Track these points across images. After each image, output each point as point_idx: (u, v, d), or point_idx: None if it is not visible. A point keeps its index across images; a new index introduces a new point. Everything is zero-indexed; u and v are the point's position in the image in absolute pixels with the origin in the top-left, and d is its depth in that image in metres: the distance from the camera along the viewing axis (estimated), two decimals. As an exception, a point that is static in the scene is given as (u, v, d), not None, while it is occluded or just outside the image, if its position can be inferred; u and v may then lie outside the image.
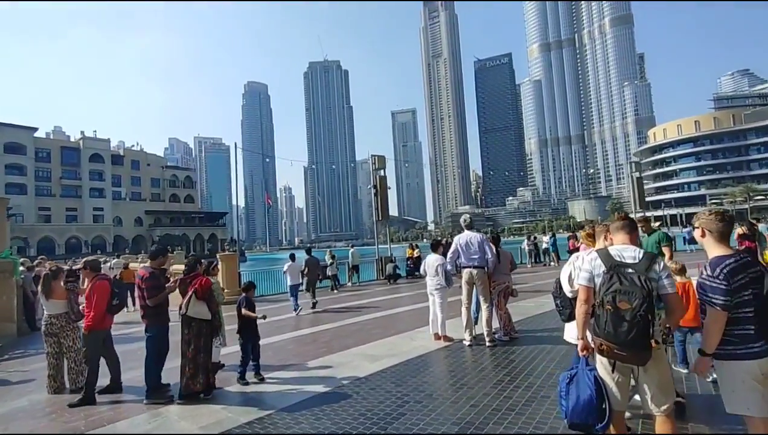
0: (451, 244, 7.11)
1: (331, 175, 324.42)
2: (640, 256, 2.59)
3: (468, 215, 7.07)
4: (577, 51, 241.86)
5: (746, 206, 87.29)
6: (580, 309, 2.78)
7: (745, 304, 2.34)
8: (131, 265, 16.94)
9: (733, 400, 2.39)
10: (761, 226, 14.00)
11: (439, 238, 7.60)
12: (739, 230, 11.44)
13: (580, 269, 2.96)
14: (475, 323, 6.87)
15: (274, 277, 16.74)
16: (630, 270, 2.51)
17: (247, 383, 5.28)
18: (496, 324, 6.72)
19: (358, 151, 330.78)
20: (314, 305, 11.54)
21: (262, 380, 5.39)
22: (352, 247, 18.59)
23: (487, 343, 6.35)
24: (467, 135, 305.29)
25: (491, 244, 6.59)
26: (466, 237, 6.62)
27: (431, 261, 6.84)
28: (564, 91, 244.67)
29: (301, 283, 11.92)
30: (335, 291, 15.65)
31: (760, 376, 2.31)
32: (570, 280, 3.50)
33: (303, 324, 9.58)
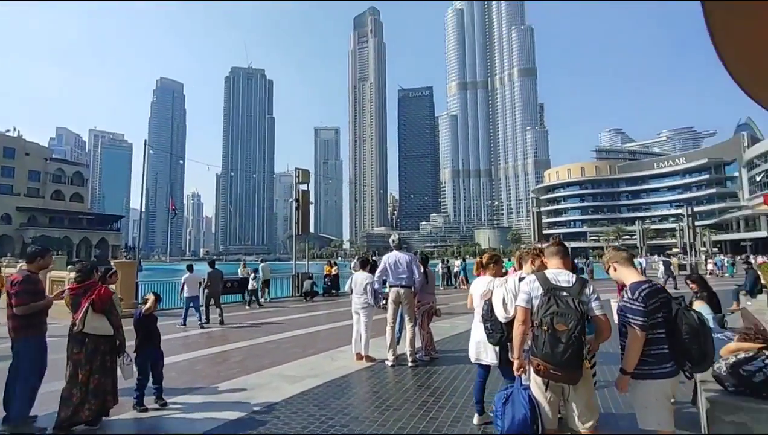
0: (377, 263, 7.13)
1: (246, 186, 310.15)
2: (573, 280, 2.79)
3: (397, 235, 7.15)
4: (490, 94, 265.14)
5: (617, 244, 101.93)
6: (518, 329, 2.89)
7: (658, 326, 2.62)
8: (6, 269, 14.21)
9: (646, 417, 2.63)
10: (635, 261, 16.32)
11: (368, 256, 7.55)
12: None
13: (519, 291, 3.10)
14: (397, 343, 6.88)
15: (174, 289, 15.25)
16: (565, 293, 2.68)
17: (145, 409, 4.60)
18: (418, 343, 6.80)
19: (277, 163, 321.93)
20: (202, 326, 10.59)
21: (164, 405, 4.75)
22: (263, 261, 17.66)
23: (409, 363, 6.37)
24: (387, 158, 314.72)
25: (419, 265, 6.72)
26: (395, 256, 6.67)
27: (360, 279, 6.74)
28: (477, 128, 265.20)
29: (200, 297, 11.24)
30: (248, 307, 14.66)
31: (669, 394, 2.59)
32: (504, 304, 3.57)
33: (212, 342, 8.77)
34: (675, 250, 66.90)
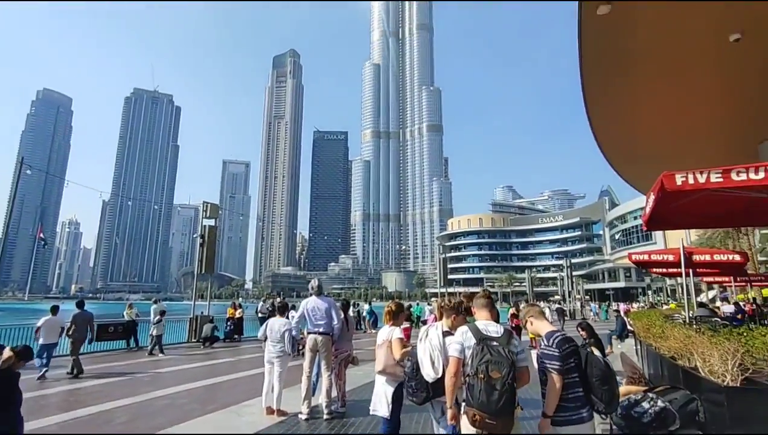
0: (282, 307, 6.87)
1: (139, 215, 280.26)
2: (501, 331, 2.99)
3: (317, 280, 6.95)
4: (401, 144, 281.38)
5: (509, 290, 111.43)
6: (450, 380, 2.97)
7: (572, 370, 2.91)
8: None
9: None
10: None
11: (287, 302, 7.18)
12: (511, 310, 14.32)
13: (446, 346, 3.21)
14: (312, 393, 6.54)
15: (30, 336, 12.83)
16: (495, 343, 2.86)
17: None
18: (334, 393, 6.53)
19: (178, 193, 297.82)
20: (75, 373, 9.44)
21: (24, 486, 3.84)
22: (156, 301, 15.68)
23: (325, 416, 6.06)
24: (299, 197, 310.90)
25: (339, 310, 6.59)
26: (313, 302, 6.47)
27: (277, 325, 6.37)
28: (388, 175, 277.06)
29: (60, 344, 10.08)
30: (153, 355, 12.71)
31: None
32: (432, 362, 3.41)
33: (89, 399, 7.41)
34: (556, 296, 74.98)
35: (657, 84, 7.27)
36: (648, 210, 4.65)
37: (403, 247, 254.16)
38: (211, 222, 17.56)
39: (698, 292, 29.68)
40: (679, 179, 3.56)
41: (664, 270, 11.42)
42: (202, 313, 17.22)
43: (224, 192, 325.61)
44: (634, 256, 10.42)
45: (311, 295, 6.62)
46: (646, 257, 10.18)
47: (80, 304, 10.57)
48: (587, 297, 71.98)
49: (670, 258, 9.47)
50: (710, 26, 5.83)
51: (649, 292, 74.49)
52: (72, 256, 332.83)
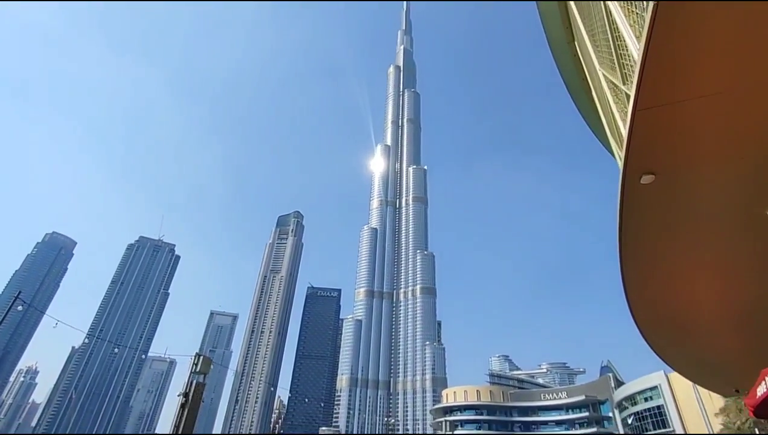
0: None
1: (107, 367, 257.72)
2: None
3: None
4: (394, 304, 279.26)
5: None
6: None
7: None
8: None
9: None
10: None
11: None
12: None
13: None
14: None
15: None
16: None
17: None
18: None
19: (155, 344, 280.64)
20: None
21: None
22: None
23: None
24: (283, 356, 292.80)
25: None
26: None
27: None
28: (379, 336, 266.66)
29: None
30: None
31: None
32: None
33: None
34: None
35: (696, 254, 7.30)
36: (762, 395, 3.98)
37: (392, 421, 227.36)
38: (201, 378, 15.67)
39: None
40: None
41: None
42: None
43: (205, 345, 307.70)
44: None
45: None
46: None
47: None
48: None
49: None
50: (746, 196, 6.10)
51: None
52: (14, 413, 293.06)
